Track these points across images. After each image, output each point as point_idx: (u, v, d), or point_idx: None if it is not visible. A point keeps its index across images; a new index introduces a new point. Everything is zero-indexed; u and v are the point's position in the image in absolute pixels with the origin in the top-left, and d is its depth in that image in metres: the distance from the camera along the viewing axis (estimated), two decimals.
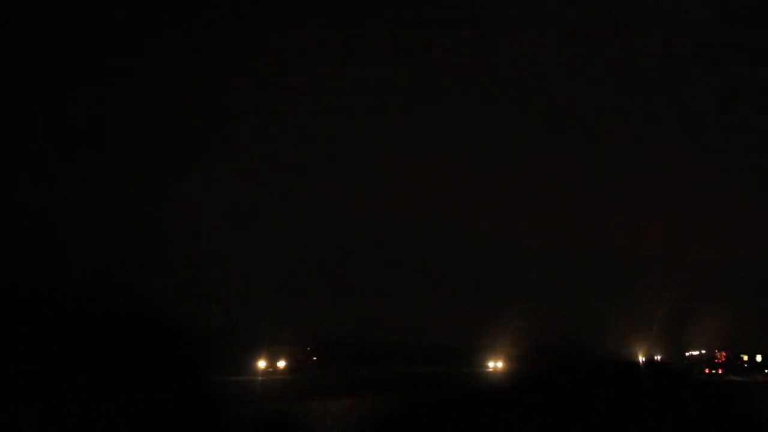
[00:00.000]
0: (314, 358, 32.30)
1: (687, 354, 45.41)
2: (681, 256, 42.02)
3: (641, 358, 32.97)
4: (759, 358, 47.69)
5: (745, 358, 49.51)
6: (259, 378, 24.91)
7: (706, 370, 41.16)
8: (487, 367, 30.60)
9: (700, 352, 46.84)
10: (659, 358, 31.07)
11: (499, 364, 30.41)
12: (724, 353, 45.99)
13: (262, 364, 27.67)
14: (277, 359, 29.31)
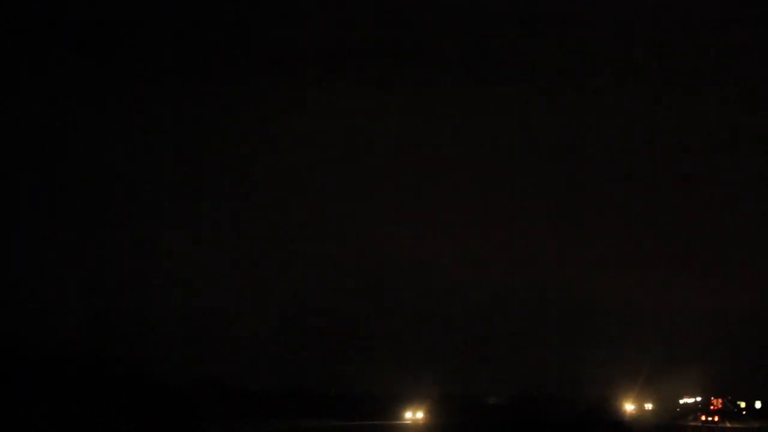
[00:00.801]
0: None
1: (682, 402, 45.33)
2: (675, 305, 42.35)
3: (630, 407, 33.15)
4: (758, 404, 47.59)
5: (743, 405, 49.44)
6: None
7: (702, 417, 41.07)
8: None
9: (695, 400, 46.74)
10: (650, 406, 31.24)
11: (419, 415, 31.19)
12: (720, 400, 45.93)
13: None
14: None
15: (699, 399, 47.30)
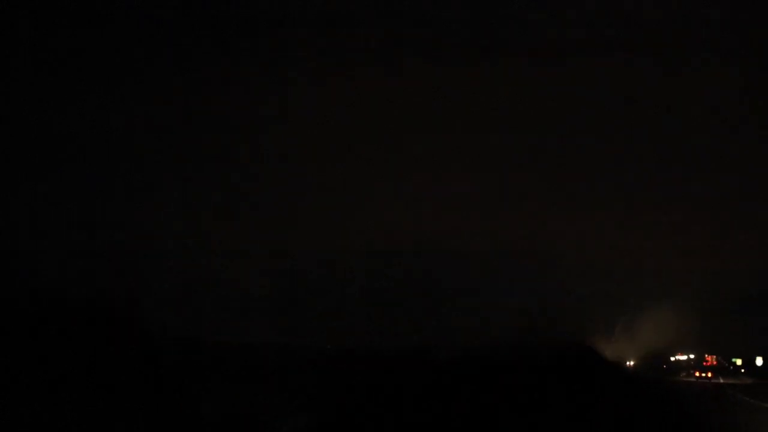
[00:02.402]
0: None
1: (673, 359, 46.26)
2: (672, 265, 43.06)
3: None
4: (759, 361, 48.26)
5: (739, 362, 50.30)
6: None
7: (696, 373, 42.18)
8: None
9: (688, 357, 47.72)
10: (631, 363, 32.00)
11: None
12: (714, 356, 46.93)
13: None
14: None
15: (692, 356, 48.33)
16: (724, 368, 46.44)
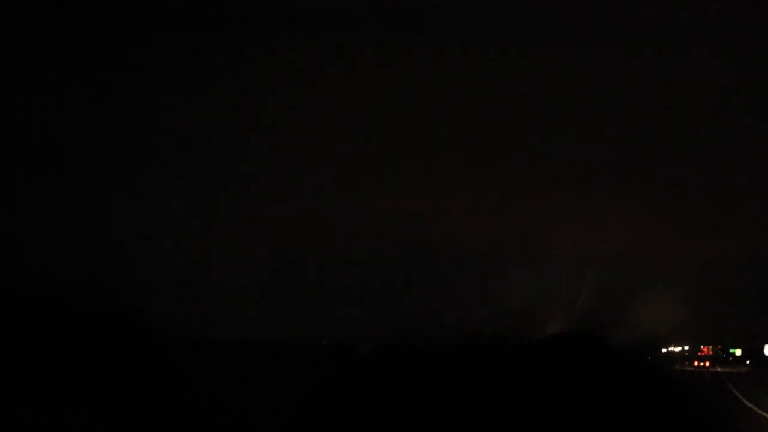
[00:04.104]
0: None
1: (664, 350, 46.70)
2: (666, 254, 43.17)
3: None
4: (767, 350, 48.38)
5: (738, 352, 50.71)
6: None
7: (695, 363, 42.75)
8: None
9: (682, 348, 48.18)
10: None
11: None
12: (709, 347, 47.43)
13: None
14: None
15: (687, 347, 48.81)
16: (721, 358, 47.03)
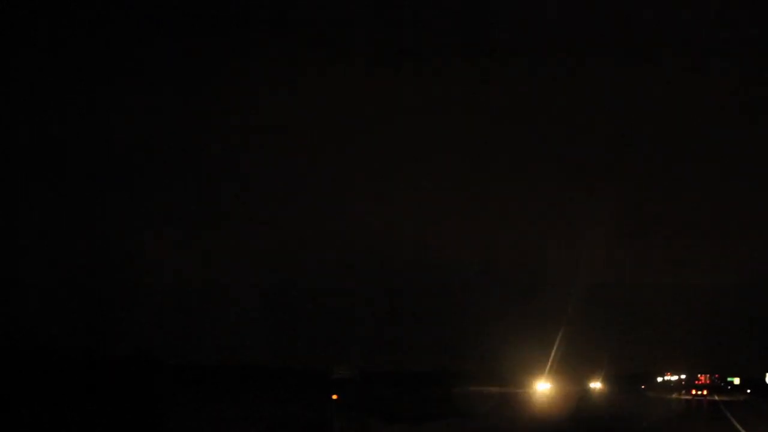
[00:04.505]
0: None
1: (660, 379, 46.63)
2: (662, 281, 43.47)
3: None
4: None
5: (736, 381, 50.53)
6: None
7: (693, 392, 42.61)
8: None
9: (679, 377, 48.16)
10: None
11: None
12: (707, 376, 47.48)
13: None
14: None
15: (683, 376, 48.78)
16: (719, 387, 46.97)
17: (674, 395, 40.62)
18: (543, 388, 19.58)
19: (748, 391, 47.04)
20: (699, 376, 47.23)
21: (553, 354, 19.24)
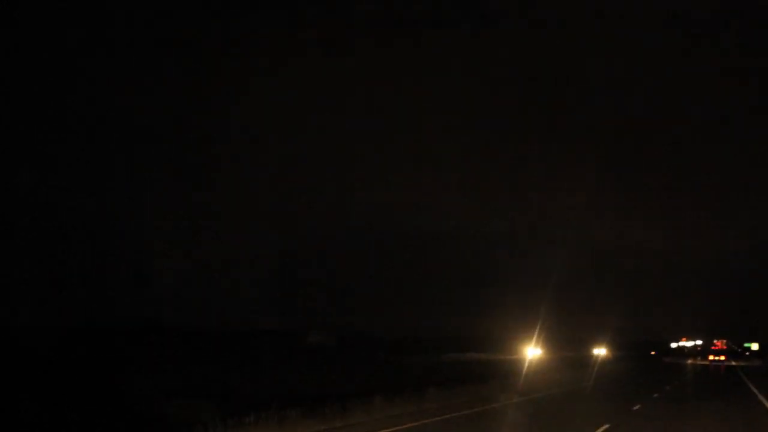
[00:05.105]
0: None
1: (674, 345, 46.65)
2: (681, 252, 43.85)
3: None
4: None
5: (754, 346, 50.40)
6: None
7: (710, 357, 42.84)
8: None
9: (695, 343, 48.06)
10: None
11: None
12: (723, 341, 47.37)
13: None
14: None
15: (699, 342, 48.68)
16: (735, 352, 46.96)
17: (689, 361, 40.85)
18: (533, 354, 19.93)
19: (752, 353, 47.00)
20: (715, 341, 47.27)
21: (541, 320, 19.34)
